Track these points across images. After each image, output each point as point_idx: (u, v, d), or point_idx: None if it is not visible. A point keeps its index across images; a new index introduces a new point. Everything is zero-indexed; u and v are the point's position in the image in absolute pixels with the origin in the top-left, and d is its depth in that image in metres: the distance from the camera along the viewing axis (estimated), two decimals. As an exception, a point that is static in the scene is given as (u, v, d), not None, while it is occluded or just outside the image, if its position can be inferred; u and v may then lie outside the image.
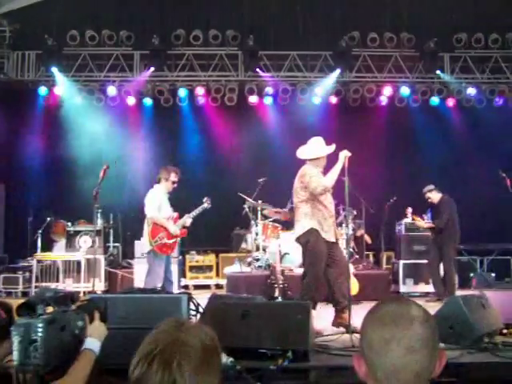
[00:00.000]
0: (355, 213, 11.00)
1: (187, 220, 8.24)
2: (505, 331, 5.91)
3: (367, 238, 12.01)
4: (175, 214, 8.22)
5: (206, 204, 8.45)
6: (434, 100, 13.63)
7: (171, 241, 7.98)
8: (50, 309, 2.85)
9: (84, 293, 9.95)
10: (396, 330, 1.65)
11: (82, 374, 2.79)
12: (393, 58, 13.32)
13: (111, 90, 12.96)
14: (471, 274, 11.57)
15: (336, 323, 6.74)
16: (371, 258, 12.45)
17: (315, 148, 7.09)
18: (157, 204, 7.97)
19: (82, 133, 12.52)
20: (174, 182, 8.17)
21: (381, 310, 1.73)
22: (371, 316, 1.74)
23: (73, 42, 12.74)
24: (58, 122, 12.95)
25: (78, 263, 11.03)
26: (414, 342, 1.63)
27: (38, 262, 11.07)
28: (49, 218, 11.85)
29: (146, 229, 8.03)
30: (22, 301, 2.88)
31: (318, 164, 7.03)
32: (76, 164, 12.46)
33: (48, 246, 11.86)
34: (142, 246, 8.63)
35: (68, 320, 2.87)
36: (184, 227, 8.23)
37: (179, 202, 8.53)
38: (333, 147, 7.00)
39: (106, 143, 12.46)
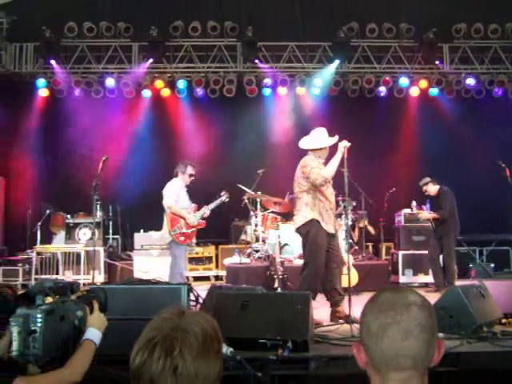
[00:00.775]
0: (354, 204, 11.01)
1: (206, 211, 8.37)
2: (504, 321, 5.94)
3: (370, 229, 12.04)
4: (193, 205, 8.35)
5: (224, 197, 8.66)
6: (433, 91, 13.60)
7: (190, 230, 8.15)
8: (49, 299, 2.85)
9: (84, 284, 9.96)
10: (394, 315, 1.66)
11: (83, 364, 2.79)
12: (392, 49, 13.27)
13: (110, 82, 12.92)
14: (470, 265, 11.56)
15: (334, 317, 6.76)
16: (370, 249, 12.46)
17: (317, 138, 7.08)
18: (174, 195, 8.15)
19: (80, 125, 12.49)
20: (191, 175, 8.37)
21: (379, 298, 1.74)
22: (370, 304, 1.75)
23: (71, 34, 12.67)
24: (56, 115, 12.93)
25: (78, 255, 11.05)
26: (412, 327, 1.64)
27: (38, 254, 11.07)
28: (48, 211, 11.87)
29: (166, 220, 8.15)
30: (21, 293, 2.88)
31: (320, 155, 7.03)
32: (75, 156, 12.45)
33: (47, 239, 11.87)
34: (163, 237, 8.79)
35: (67, 310, 2.87)
36: (203, 218, 8.34)
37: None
38: (335, 138, 6.98)
39: (105, 135, 12.45)
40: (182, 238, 8.09)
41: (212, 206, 8.51)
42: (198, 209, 8.41)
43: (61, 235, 11.78)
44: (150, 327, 1.67)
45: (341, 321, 6.51)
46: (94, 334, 2.95)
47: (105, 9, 13.10)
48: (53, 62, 12.65)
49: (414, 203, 10.50)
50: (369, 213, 11.72)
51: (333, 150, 6.96)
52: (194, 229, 8.21)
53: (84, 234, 11.46)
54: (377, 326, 1.67)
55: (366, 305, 1.76)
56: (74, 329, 2.89)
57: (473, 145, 13.18)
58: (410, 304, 1.68)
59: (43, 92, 13.16)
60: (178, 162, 8.75)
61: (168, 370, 1.58)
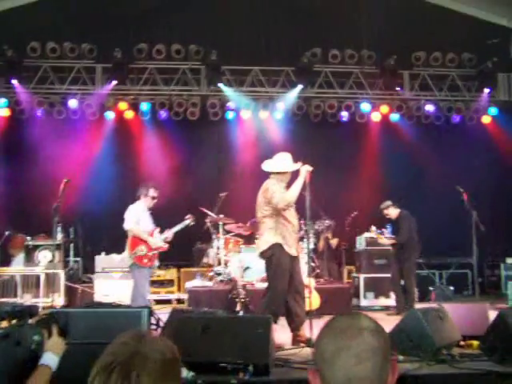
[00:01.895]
0: (316, 227, 11.09)
1: (169, 235, 8.34)
2: (462, 343, 6.01)
3: (333, 242, 12.10)
4: (155, 228, 8.29)
5: (189, 221, 8.60)
6: (394, 116, 13.85)
7: (151, 253, 8.06)
8: (3, 323, 2.80)
9: (43, 308, 9.77)
10: (346, 340, 1.68)
11: None
12: (354, 75, 13.52)
13: (72, 103, 12.82)
14: (430, 288, 11.74)
15: (295, 341, 6.76)
16: (335, 268, 12.49)
17: (281, 163, 7.09)
18: (135, 218, 8.11)
19: (42, 146, 12.34)
20: (153, 198, 8.33)
21: (332, 324, 1.77)
22: (323, 330, 1.78)
23: (33, 54, 12.58)
24: (17, 135, 12.75)
25: (37, 278, 10.83)
26: (364, 351, 1.66)
27: (-4, 277, 10.84)
28: (7, 232, 11.64)
29: (127, 242, 8.09)
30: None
31: (282, 179, 7.03)
32: (36, 177, 12.27)
33: (6, 261, 11.62)
34: (124, 259, 8.71)
35: (24, 335, 2.83)
36: (167, 242, 8.29)
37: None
38: (298, 165, 7.01)
39: (68, 156, 12.32)
40: (144, 261, 8.03)
41: (176, 229, 8.48)
42: (160, 231, 8.37)
43: (20, 257, 11.55)
44: (108, 352, 1.66)
45: (302, 344, 6.52)
46: (50, 358, 2.90)
47: (69, 30, 13.04)
48: (14, 81, 12.51)
49: (373, 228, 10.61)
50: (335, 224, 11.86)
51: (295, 174, 7.01)
52: (155, 251, 8.15)
53: (44, 256, 11.25)
54: (329, 352, 1.69)
55: (320, 331, 1.79)
56: (30, 353, 2.84)
57: (432, 169, 13.44)
58: (362, 329, 1.70)
59: (4, 112, 12.98)
60: (140, 184, 8.71)
61: None
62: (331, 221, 11.77)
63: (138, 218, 8.12)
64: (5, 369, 2.66)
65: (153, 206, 8.42)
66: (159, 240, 8.21)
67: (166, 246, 8.34)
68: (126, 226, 8.10)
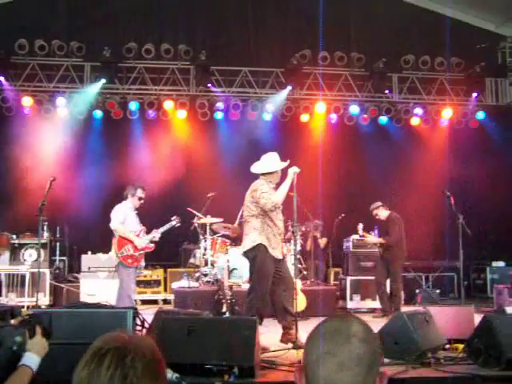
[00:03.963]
0: (303, 229, 11.08)
1: (155, 235, 8.31)
2: (447, 346, 6.03)
3: (321, 242, 12.10)
4: (142, 228, 8.26)
5: (175, 222, 8.60)
6: (383, 119, 13.88)
7: (137, 253, 8.04)
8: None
9: (28, 307, 9.69)
10: (331, 345, 1.63)
11: None
12: (343, 77, 13.54)
13: (61, 102, 12.74)
14: (416, 291, 11.78)
15: (285, 339, 6.75)
16: (324, 268, 12.49)
17: (268, 162, 7.08)
18: (121, 218, 8.10)
19: (29, 144, 12.26)
20: (140, 198, 8.31)
21: (323, 326, 1.72)
22: (313, 331, 1.73)
23: (21, 51, 12.49)
24: (4, 133, 12.65)
25: (22, 277, 10.75)
26: (348, 359, 1.61)
27: (-20, 275, 10.74)
28: (-8, 231, 11.56)
29: (114, 242, 8.06)
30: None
31: (272, 179, 7.01)
32: (22, 176, 12.18)
33: (-9, 259, 11.54)
34: (111, 259, 8.69)
35: (4, 336, 2.79)
36: (152, 242, 8.26)
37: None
38: (286, 163, 7.01)
39: (55, 155, 12.24)
40: (129, 261, 8.01)
41: (162, 229, 8.46)
42: (147, 232, 8.34)
43: (5, 256, 11.47)
44: (99, 341, 1.61)
45: (289, 345, 6.51)
46: (31, 359, 2.86)
47: (57, 27, 12.97)
48: (2, 78, 12.43)
49: (360, 226, 10.60)
50: (323, 224, 11.88)
51: (284, 174, 7.00)
52: (141, 252, 8.13)
53: (30, 255, 11.19)
54: (314, 355, 1.65)
55: (311, 332, 1.75)
56: (12, 354, 2.81)
57: (419, 172, 13.47)
58: (350, 336, 1.65)
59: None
60: (127, 183, 8.68)
61: (117, 380, 1.51)
62: (319, 221, 11.80)
63: (124, 217, 8.10)
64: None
65: (139, 207, 8.40)
66: (145, 240, 8.19)
67: (152, 246, 8.33)
68: (112, 225, 8.09)
